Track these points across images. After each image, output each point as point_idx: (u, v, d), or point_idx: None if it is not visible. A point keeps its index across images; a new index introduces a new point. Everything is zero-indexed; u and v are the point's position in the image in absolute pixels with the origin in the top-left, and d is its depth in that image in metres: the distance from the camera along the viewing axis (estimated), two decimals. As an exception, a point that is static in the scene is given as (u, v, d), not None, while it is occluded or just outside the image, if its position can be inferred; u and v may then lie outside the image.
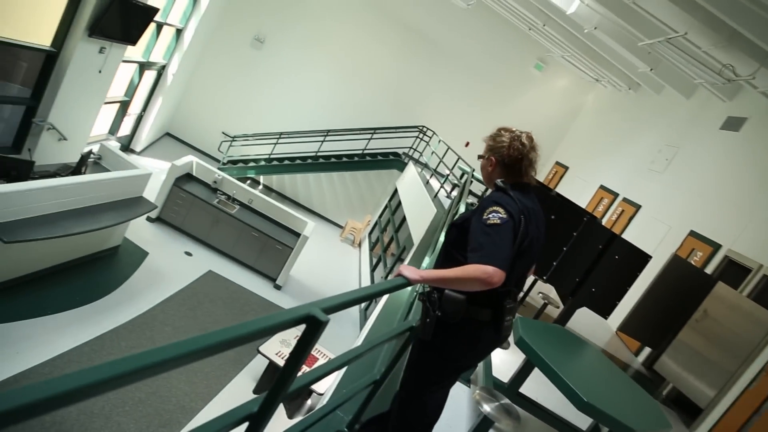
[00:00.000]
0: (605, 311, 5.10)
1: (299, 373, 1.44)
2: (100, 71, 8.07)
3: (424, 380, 2.25)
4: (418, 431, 2.30)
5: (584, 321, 5.83)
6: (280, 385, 1.33)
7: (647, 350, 6.57)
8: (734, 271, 6.21)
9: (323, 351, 7.29)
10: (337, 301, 1.38)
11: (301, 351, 1.30)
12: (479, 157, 2.33)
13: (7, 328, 5.79)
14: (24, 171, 6.39)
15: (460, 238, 2.11)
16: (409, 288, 4.68)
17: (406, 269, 1.99)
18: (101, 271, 7.84)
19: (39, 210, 6.04)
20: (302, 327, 1.30)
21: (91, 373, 0.74)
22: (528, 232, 2.09)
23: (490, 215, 1.99)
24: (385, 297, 5.07)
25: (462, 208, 6.82)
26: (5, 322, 5.85)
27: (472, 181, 9.05)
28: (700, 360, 5.08)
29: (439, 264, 2.24)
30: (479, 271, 1.85)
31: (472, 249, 1.95)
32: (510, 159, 2.20)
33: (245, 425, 1.41)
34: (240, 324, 1.05)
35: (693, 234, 7.15)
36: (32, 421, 4.05)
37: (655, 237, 7.76)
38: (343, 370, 3.27)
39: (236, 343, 1.02)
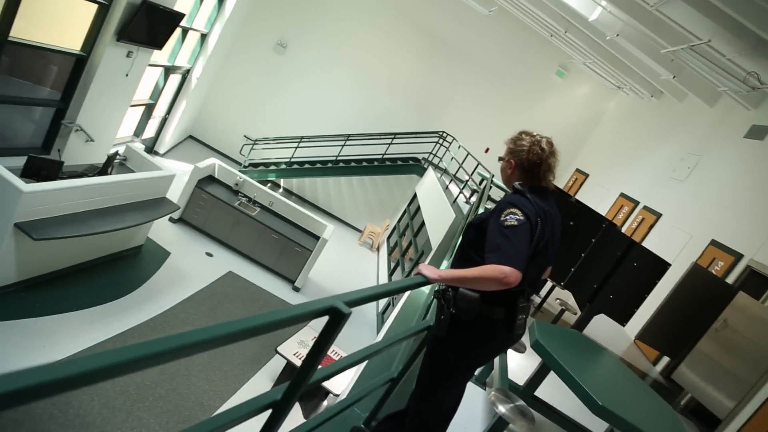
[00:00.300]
0: (623, 318, 5.09)
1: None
2: (127, 75, 8.27)
3: (439, 376, 2.30)
4: (434, 427, 2.35)
5: (602, 328, 5.81)
6: (303, 375, 1.39)
7: (666, 359, 6.51)
8: (756, 281, 6.13)
9: (340, 353, 7.35)
10: (359, 295, 1.44)
11: (324, 342, 1.36)
12: (500, 159, 2.38)
13: (34, 323, 5.96)
14: (53, 171, 6.56)
15: (477, 237, 2.16)
16: (427, 290, 4.73)
17: (426, 268, 2.04)
18: (124, 269, 8.01)
19: (67, 209, 6.21)
20: (319, 331, 1.37)
21: (137, 348, 0.80)
22: (544, 234, 2.13)
23: (508, 217, 2.03)
24: (403, 300, 5.12)
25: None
26: (33, 317, 6.03)
27: (491, 187, 9.06)
28: (719, 370, 5.03)
29: (456, 262, 2.29)
30: (496, 272, 1.90)
31: (489, 249, 2.00)
32: (529, 163, 2.25)
33: (268, 413, 1.47)
34: (268, 312, 1.11)
35: (714, 243, 7.07)
36: (57, 414, 4.17)
37: (675, 246, 7.69)
38: (361, 368, 3.32)
39: (264, 329, 1.08)
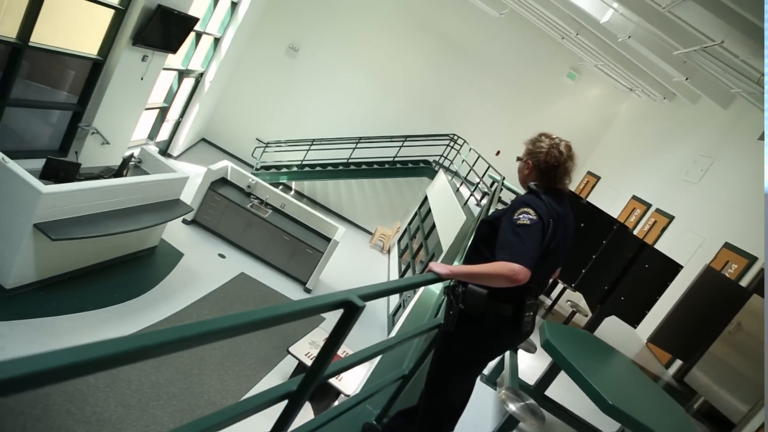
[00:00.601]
0: (634, 320, 5.08)
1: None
2: (142, 78, 8.40)
3: (447, 371, 2.34)
4: (443, 422, 2.38)
5: (613, 330, 5.80)
6: (318, 367, 1.43)
7: (678, 362, 6.48)
8: (770, 284, 6.08)
9: (350, 353, 7.39)
10: (373, 289, 1.48)
11: (338, 335, 1.40)
12: (518, 158, 2.41)
13: (51, 322, 6.07)
14: (71, 172, 6.68)
15: (490, 234, 2.20)
16: (438, 290, 4.76)
17: (437, 266, 2.09)
18: (139, 270, 8.12)
19: (84, 210, 6.32)
20: (328, 331, 1.41)
21: (172, 331, 0.84)
22: (555, 235, 2.16)
23: (521, 216, 2.07)
24: (414, 301, 5.15)
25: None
26: (50, 315, 6.13)
27: (502, 189, 9.06)
28: (732, 373, 5.00)
29: (468, 258, 2.34)
30: (506, 269, 1.93)
31: (500, 247, 2.03)
32: (546, 165, 2.27)
33: (282, 406, 1.51)
34: (285, 303, 1.15)
35: (728, 246, 7.03)
36: (75, 411, 4.24)
37: (688, 248, 7.65)
38: (373, 367, 3.36)
39: (282, 320, 1.12)
